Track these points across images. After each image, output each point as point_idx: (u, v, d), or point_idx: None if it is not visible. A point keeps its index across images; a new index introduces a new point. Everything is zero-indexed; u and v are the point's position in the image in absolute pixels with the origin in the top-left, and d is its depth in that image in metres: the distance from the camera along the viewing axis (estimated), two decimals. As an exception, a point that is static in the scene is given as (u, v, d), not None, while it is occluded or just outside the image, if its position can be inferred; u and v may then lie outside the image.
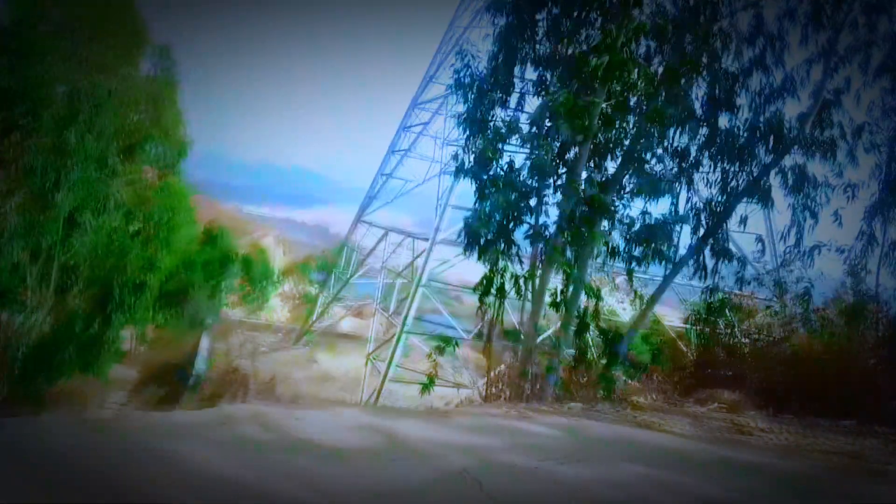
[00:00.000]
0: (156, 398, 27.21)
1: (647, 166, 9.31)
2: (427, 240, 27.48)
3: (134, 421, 5.23)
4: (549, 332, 11.67)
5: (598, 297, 9.42)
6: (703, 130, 9.44)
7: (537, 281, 9.87)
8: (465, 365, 29.18)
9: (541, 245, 9.93)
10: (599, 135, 9.06)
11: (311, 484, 3.95)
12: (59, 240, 16.95)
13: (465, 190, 26.88)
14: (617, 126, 9.05)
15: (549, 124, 9.30)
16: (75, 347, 21.14)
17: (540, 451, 4.84)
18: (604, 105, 8.70)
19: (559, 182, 9.63)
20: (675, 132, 9.30)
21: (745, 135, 9.50)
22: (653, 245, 9.18)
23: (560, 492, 4.05)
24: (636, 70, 8.65)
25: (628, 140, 9.32)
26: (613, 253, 9.37)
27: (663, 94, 8.93)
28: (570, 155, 9.42)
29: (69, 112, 14.98)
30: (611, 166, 10.07)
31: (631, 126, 9.25)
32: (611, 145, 9.33)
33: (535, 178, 9.60)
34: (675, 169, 9.48)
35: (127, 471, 3.78)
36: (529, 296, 9.77)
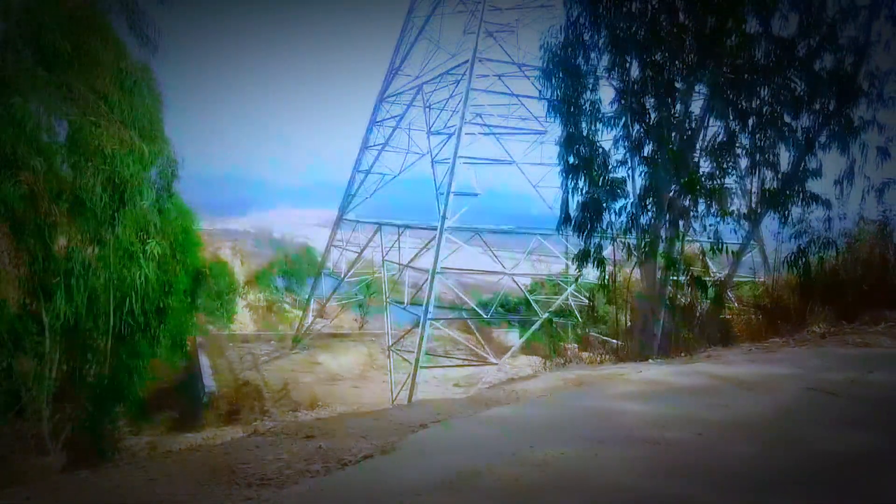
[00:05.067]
0: (170, 421, 26.83)
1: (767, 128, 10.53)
2: (424, 228, 28.24)
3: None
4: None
5: (715, 254, 10.69)
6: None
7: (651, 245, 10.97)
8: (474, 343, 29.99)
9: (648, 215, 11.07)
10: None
11: (722, 413, 4.86)
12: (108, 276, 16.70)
13: (462, 178, 27.46)
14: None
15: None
16: (111, 384, 20.76)
17: (834, 371, 5.90)
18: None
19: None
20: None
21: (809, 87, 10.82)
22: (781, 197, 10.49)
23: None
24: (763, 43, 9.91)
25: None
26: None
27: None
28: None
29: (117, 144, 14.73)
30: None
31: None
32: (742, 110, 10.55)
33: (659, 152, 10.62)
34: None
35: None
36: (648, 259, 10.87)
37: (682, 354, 7.87)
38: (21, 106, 10.79)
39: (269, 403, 28.56)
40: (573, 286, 24.68)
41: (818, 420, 4.68)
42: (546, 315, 23.31)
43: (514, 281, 26.59)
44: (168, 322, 23.16)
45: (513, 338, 31.62)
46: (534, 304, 24.77)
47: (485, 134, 26.50)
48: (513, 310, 30.70)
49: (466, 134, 25.95)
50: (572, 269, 27.02)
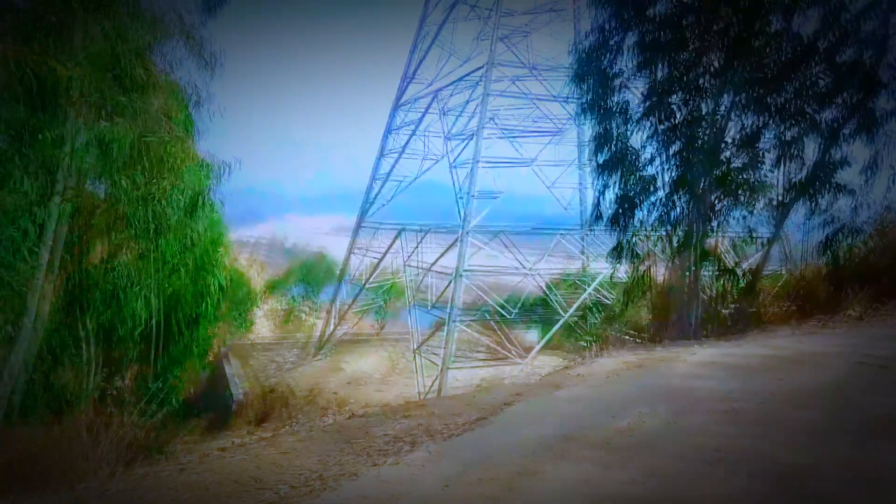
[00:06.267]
0: (201, 428, 27.20)
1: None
2: (446, 231, 28.70)
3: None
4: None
5: (746, 245, 11.10)
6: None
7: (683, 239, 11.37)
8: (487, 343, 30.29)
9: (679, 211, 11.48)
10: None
11: (781, 385, 5.27)
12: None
13: (481, 180, 27.81)
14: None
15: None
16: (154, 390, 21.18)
17: (879, 347, 6.30)
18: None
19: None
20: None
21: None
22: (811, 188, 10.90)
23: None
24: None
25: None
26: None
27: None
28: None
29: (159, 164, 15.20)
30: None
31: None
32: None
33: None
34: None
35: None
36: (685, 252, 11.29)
37: (725, 339, 8.27)
38: (109, 129, 11.39)
39: (297, 409, 28.92)
40: (597, 281, 25.06)
41: (871, 389, 5.09)
42: (571, 312, 23.64)
43: (537, 280, 26.92)
44: (199, 331, 23.78)
45: (532, 337, 31.95)
46: (554, 303, 25.12)
47: (501, 137, 26.99)
48: (531, 309, 31.11)
49: (485, 138, 26.40)
50: (592, 266, 27.48)
